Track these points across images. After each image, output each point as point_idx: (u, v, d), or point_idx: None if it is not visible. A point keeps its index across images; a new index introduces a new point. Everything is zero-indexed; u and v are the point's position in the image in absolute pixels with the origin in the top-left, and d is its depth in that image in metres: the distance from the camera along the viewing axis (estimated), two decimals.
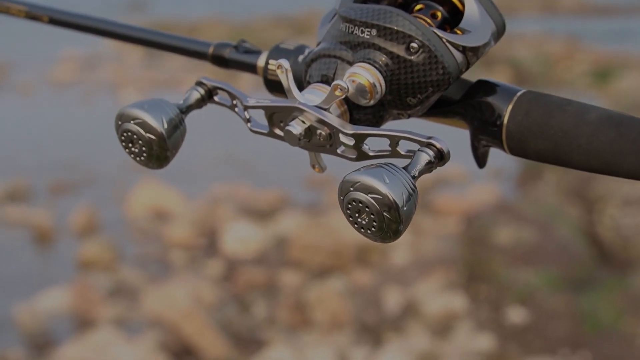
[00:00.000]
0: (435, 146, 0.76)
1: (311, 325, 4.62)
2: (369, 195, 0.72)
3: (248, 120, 0.87)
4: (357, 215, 0.74)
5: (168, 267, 5.41)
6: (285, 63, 0.81)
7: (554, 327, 4.45)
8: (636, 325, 4.28)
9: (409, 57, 0.81)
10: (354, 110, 0.83)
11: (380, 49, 0.81)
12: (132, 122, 0.83)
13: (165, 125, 0.83)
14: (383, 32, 0.81)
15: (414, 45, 0.80)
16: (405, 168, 0.75)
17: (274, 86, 0.97)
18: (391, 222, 0.72)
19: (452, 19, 0.86)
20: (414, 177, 0.74)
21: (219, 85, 0.89)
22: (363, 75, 0.80)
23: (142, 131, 0.83)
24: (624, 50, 12.94)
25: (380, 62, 0.81)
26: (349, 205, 0.74)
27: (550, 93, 0.84)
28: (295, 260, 5.26)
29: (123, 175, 7.14)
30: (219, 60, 1.02)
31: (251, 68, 0.99)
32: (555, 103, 0.81)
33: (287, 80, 0.81)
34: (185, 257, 5.52)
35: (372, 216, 0.73)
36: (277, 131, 0.85)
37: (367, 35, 0.81)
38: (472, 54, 0.83)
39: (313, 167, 0.87)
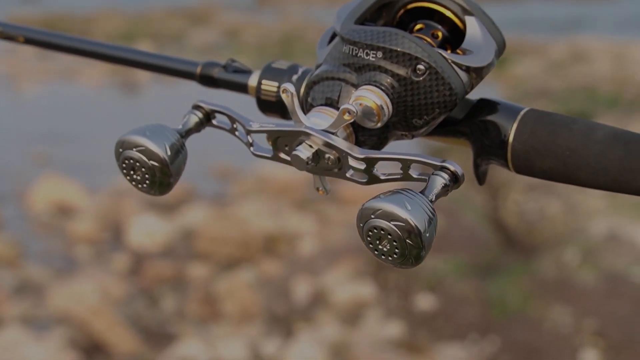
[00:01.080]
0: (449, 169, 0.76)
1: (221, 317, 4.58)
2: (391, 222, 0.71)
3: (250, 145, 0.85)
4: (377, 242, 0.73)
5: (74, 262, 5.30)
6: (290, 87, 0.79)
7: (463, 313, 4.49)
8: (544, 309, 4.35)
9: (415, 79, 0.80)
10: (359, 132, 0.82)
11: (386, 71, 0.80)
12: (134, 149, 0.81)
13: (168, 152, 0.81)
14: (389, 55, 0.80)
15: (421, 67, 0.80)
16: (422, 192, 0.75)
17: (268, 107, 0.95)
18: (413, 248, 0.72)
19: (453, 39, 0.86)
20: (431, 202, 0.74)
21: (217, 109, 0.87)
22: (370, 98, 0.79)
23: (144, 158, 0.81)
24: (519, 37, 13.15)
25: (387, 85, 0.80)
26: (370, 233, 0.73)
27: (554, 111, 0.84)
28: (203, 253, 5.21)
29: (23, 170, 6.98)
30: (208, 80, 1.01)
31: (242, 88, 0.98)
32: (560, 121, 0.82)
33: (293, 104, 0.79)
34: (91, 252, 5.42)
35: (394, 243, 0.72)
36: (282, 155, 0.83)
37: (372, 57, 0.81)
38: (475, 74, 0.82)
39: (317, 189, 0.85)
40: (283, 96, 0.79)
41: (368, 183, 0.80)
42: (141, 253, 5.26)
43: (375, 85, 0.80)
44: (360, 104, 0.79)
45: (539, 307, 4.39)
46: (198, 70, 1.02)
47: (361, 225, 0.74)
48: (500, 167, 0.85)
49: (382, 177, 0.79)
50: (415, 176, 0.78)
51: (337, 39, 0.85)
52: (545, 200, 5.46)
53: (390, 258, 0.74)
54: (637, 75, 10.22)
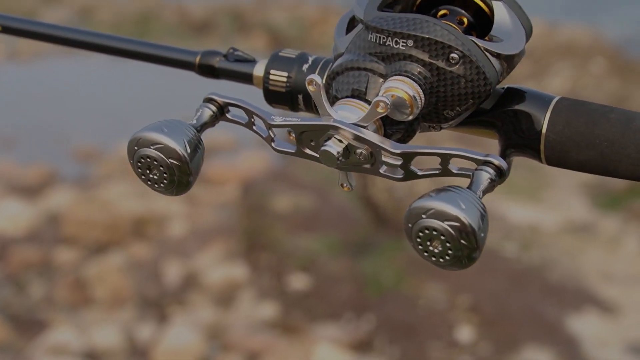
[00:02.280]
0: (493, 163, 0.73)
1: (92, 303, 4.46)
2: (445, 222, 0.68)
3: (272, 140, 0.80)
4: (428, 243, 0.70)
5: None
6: (317, 78, 0.74)
7: (337, 292, 4.50)
8: (417, 286, 4.40)
9: (449, 69, 0.77)
10: (387, 125, 0.78)
11: (417, 60, 0.77)
12: (151, 147, 0.76)
13: (188, 149, 0.76)
14: (420, 43, 0.76)
15: (454, 55, 0.76)
16: (469, 189, 0.71)
17: (276, 98, 0.91)
18: (467, 249, 0.68)
19: (478, 25, 0.82)
20: (480, 199, 0.71)
21: (232, 101, 0.82)
22: (402, 89, 0.75)
23: (163, 157, 0.76)
24: None
25: (419, 74, 0.77)
26: (420, 234, 0.69)
27: (585, 100, 0.81)
28: (70, 237, 5.06)
29: None
30: (208, 70, 0.96)
31: (246, 78, 0.94)
32: (597, 111, 0.79)
33: (321, 96, 0.75)
34: None
35: (447, 244, 0.68)
36: (307, 151, 0.78)
37: (402, 46, 0.77)
38: (507, 63, 0.79)
39: (342, 185, 0.81)
40: (309, 88, 0.75)
41: (404, 179, 0.76)
42: (4, 239, 5.08)
43: (407, 76, 0.77)
44: (392, 96, 0.75)
45: (413, 284, 4.43)
46: (197, 59, 0.97)
47: (410, 225, 0.70)
48: (531, 158, 0.82)
49: (420, 173, 0.76)
50: (455, 171, 0.75)
51: (360, 27, 0.81)
52: None
53: (441, 260, 0.70)
54: None
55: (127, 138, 0.79)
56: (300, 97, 0.90)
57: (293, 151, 0.80)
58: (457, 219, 0.67)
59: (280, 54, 0.92)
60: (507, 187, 4.51)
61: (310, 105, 0.90)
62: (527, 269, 4.52)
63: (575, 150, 0.78)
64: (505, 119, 0.82)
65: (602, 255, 4.74)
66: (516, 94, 0.82)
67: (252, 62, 0.94)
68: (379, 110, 0.73)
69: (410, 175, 0.76)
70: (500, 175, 0.73)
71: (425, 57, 0.77)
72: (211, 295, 4.58)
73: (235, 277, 4.70)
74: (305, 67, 0.90)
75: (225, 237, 5.08)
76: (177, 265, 4.77)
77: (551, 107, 0.80)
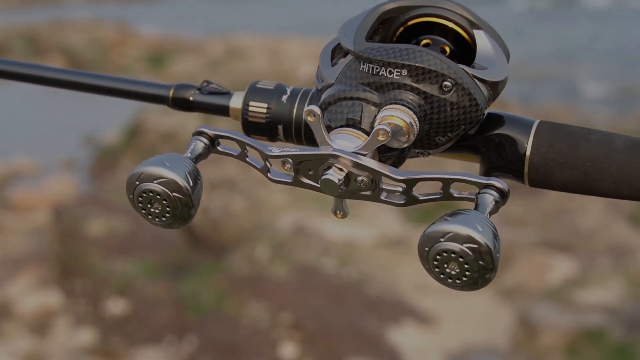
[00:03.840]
0: (495, 186, 0.75)
1: None
2: (464, 244, 0.69)
3: (267, 170, 0.80)
4: (445, 265, 0.71)
5: None
6: (316, 109, 0.75)
7: (157, 315, 4.45)
8: (239, 305, 4.40)
9: (442, 96, 0.79)
10: (381, 153, 0.79)
11: (412, 89, 0.79)
12: (154, 181, 0.76)
13: (190, 182, 0.76)
14: (414, 72, 0.78)
15: (447, 83, 0.78)
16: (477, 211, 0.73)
17: (255, 129, 0.91)
18: (484, 269, 0.70)
19: (459, 53, 0.84)
20: (490, 220, 0.72)
21: (224, 134, 0.81)
22: (399, 117, 0.77)
23: (167, 191, 0.76)
24: (174, 35, 13.25)
25: (413, 103, 0.79)
26: (437, 257, 0.71)
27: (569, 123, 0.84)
28: None
29: None
30: (182, 104, 0.96)
31: (222, 110, 0.93)
32: (577, 133, 0.82)
33: (320, 126, 0.75)
34: None
35: (465, 266, 0.70)
36: (305, 180, 0.79)
37: (396, 75, 0.79)
38: (493, 89, 0.81)
39: (335, 213, 0.82)
40: (308, 118, 0.75)
41: (406, 204, 0.78)
42: None
43: (402, 104, 0.78)
44: (390, 124, 0.77)
45: (234, 304, 4.42)
46: (170, 93, 0.97)
47: (427, 249, 0.71)
48: (513, 180, 0.84)
49: (421, 198, 0.77)
50: (456, 195, 0.76)
51: (350, 58, 0.82)
52: (229, 197, 5.52)
53: (458, 281, 0.72)
54: (292, 68, 10.59)
55: None
56: (280, 127, 0.91)
57: (290, 181, 0.80)
58: (475, 241, 0.69)
59: (258, 85, 0.92)
60: (322, 204, 4.59)
61: (290, 136, 0.91)
62: (347, 284, 4.60)
63: (558, 171, 0.82)
64: (488, 143, 0.85)
65: (416, 268, 4.86)
66: (498, 119, 0.85)
67: (227, 94, 0.94)
68: (380, 138, 0.75)
69: (412, 201, 0.78)
70: (503, 197, 0.75)
71: (419, 85, 0.79)
72: (26, 324, 4.44)
73: (49, 304, 4.58)
74: (284, 97, 0.90)
75: (37, 264, 4.93)
76: None
77: (533, 130, 0.83)
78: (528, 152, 0.83)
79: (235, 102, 0.93)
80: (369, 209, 5.46)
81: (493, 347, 4.21)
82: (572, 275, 4.73)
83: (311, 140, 0.89)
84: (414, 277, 4.73)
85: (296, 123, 0.89)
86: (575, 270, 4.78)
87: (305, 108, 0.76)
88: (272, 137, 0.92)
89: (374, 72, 0.80)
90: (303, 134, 0.90)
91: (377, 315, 4.36)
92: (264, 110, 0.91)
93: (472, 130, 0.85)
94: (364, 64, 0.80)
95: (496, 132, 0.84)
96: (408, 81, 0.79)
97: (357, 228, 5.17)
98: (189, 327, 4.34)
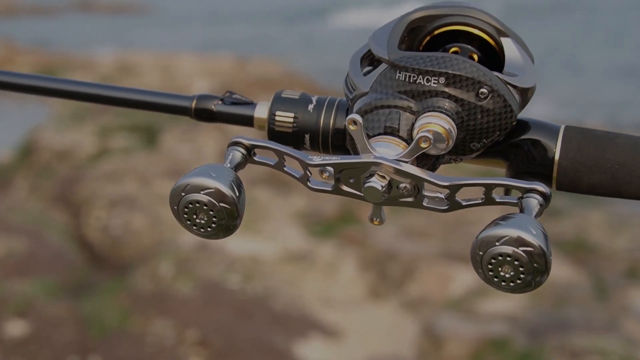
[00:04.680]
0: (538, 190, 0.76)
1: None
2: (520, 248, 0.71)
3: (307, 179, 0.81)
4: (500, 269, 0.73)
5: None
6: (358, 118, 0.76)
7: (59, 335, 4.36)
8: (144, 323, 4.34)
9: (479, 103, 0.81)
10: (418, 159, 0.80)
11: (449, 96, 0.81)
12: (201, 192, 0.77)
13: (237, 193, 0.77)
14: (452, 80, 0.80)
15: (484, 90, 0.80)
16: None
17: (281, 138, 0.92)
18: (538, 272, 0.72)
19: (487, 60, 0.86)
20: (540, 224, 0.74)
21: (262, 144, 0.82)
22: (439, 124, 0.79)
23: (214, 201, 0.77)
24: (63, 51, 13.07)
25: (451, 110, 0.81)
26: (492, 260, 0.73)
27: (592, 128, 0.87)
28: None
29: None
30: (205, 114, 0.97)
31: (246, 120, 0.95)
32: (604, 137, 0.85)
33: (362, 135, 0.77)
34: None
35: (520, 268, 0.72)
36: (346, 188, 0.80)
37: (434, 83, 0.81)
38: (523, 96, 0.84)
39: (372, 220, 0.83)
40: (350, 127, 0.76)
41: (449, 210, 0.79)
42: None
43: (440, 111, 0.80)
44: (430, 130, 0.78)
45: (138, 322, 4.37)
46: (193, 104, 0.98)
47: (481, 253, 0.73)
48: None
49: (464, 204, 0.79)
50: (498, 200, 0.78)
51: (384, 67, 0.84)
52: (129, 214, 5.46)
53: (512, 284, 0.74)
54: (185, 84, 10.54)
55: None
56: (307, 136, 0.92)
57: (330, 189, 0.81)
58: (531, 245, 0.71)
59: (283, 95, 0.93)
60: None
61: (317, 144, 0.92)
62: (252, 299, 4.59)
63: (587, 175, 0.85)
64: (516, 148, 0.87)
65: (321, 281, 4.89)
66: (525, 125, 0.88)
67: (251, 104, 0.96)
68: (423, 145, 0.76)
69: (455, 206, 0.79)
70: (547, 200, 0.77)
71: (456, 93, 0.81)
72: None
73: None
74: (310, 107, 0.92)
75: None
76: None
77: (561, 134, 0.86)
78: (557, 157, 0.86)
79: (261, 112, 0.95)
80: (272, 224, 5.46)
81: (399, 358, 4.25)
82: (474, 285, 4.80)
83: (338, 149, 0.91)
84: (319, 291, 4.75)
85: (323, 132, 0.91)
86: (477, 281, 4.86)
87: (348, 117, 0.76)
88: (298, 146, 0.93)
89: (411, 81, 0.82)
90: (330, 143, 0.91)
91: (283, 330, 4.36)
92: (291, 120, 0.92)
93: (501, 136, 0.87)
94: (400, 73, 0.82)
95: (523, 137, 0.87)
96: (445, 89, 0.81)
97: (261, 243, 5.17)
98: (93, 347, 4.26)
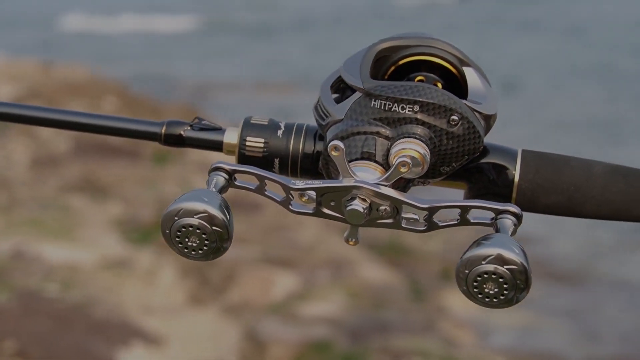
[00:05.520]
0: (511, 211, 0.81)
1: None
2: (505, 266, 0.75)
3: (289, 203, 0.84)
4: (484, 286, 0.77)
5: None
6: (340, 144, 0.79)
7: None
8: None
9: (450, 130, 0.86)
10: (393, 182, 0.83)
11: (423, 123, 0.86)
12: (195, 216, 0.79)
13: (228, 216, 0.80)
14: (426, 108, 0.85)
15: (455, 117, 0.86)
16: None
17: (251, 162, 0.94)
18: (519, 289, 0.77)
19: (450, 89, 0.89)
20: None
21: (243, 169, 0.85)
22: (415, 150, 0.84)
23: (207, 225, 0.80)
24: None
25: (425, 136, 0.85)
26: (478, 278, 0.77)
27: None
28: None
29: None
30: (175, 140, 0.99)
31: (215, 145, 0.97)
32: (559, 159, 0.92)
33: (344, 160, 0.80)
34: None
35: (504, 285, 0.77)
36: (327, 211, 0.84)
37: (408, 111, 0.86)
38: (487, 122, 0.89)
39: (347, 241, 0.86)
40: (332, 153, 0.80)
41: (427, 230, 0.83)
42: None
43: (415, 137, 0.85)
44: (408, 156, 0.82)
45: None
46: (162, 130, 0.99)
47: (466, 271, 0.77)
48: None
49: (441, 224, 0.83)
50: (472, 221, 0.82)
51: (358, 95, 0.88)
52: None
53: (495, 300, 0.78)
54: None
55: None
56: (276, 160, 0.95)
57: (312, 212, 0.84)
58: (514, 263, 0.76)
59: (252, 121, 0.96)
60: (40, 227, 4.47)
61: (285, 168, 0.95)
62: (71, 308, 4.48)
63: (544, 196, 0.91)
64: (478, 171, 0.93)
65: (140, 288, 4.83)
66: (484, 149, 0.93)
67: (220, 130, 0.98)
68: (402, 169, 0.80)
69: (433, 227, 0.83)
70: (519, 220, 0.81)
71: (429, 119, 0.86)
72: None
73: None
74: (279, 132, 0.95)
75: None
76: None
77: (519, 158, 0.93)
78: (517, 179, 0.92)
79: (230, 137, 0.97)
80: (89, 231, 5.36)
81: None
82: (295, 289, 4.86)
83: (306, 172, 0.95)
84: (139, 298, 4.69)
85: (293, 156, 0.94)
86: (298, 285, 4.93)
87: (330, 143, 0.80)
88: (268, 169, 0.95)
89: (386, 108, 0.87)
90: (299, 167, 0.95)
91: (104, 338, 4.28)
92: (262, 145, 0.95)
93: (468, 160, 0.92)
94: (375, 101, 0.87)
95: (484, 160, 0.93)
96: (419, 116, 0.86)
97: (78, 251, 5.06)
98: None
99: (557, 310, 5.09)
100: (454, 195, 0.93)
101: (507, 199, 0.92)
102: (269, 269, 5.06)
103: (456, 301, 5.02)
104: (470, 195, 0.94)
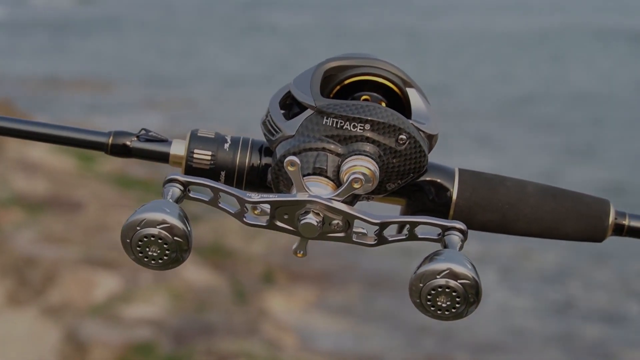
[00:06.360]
0: (457, 227, 0.84)
1: None
2: (458, 280, 0.79)
3: (243, 215, 0.85)
4: (437, 299, 0.80)
5: None
6: (296, 160, 0.82)
7: None
8: None
9: (398, 148, 0.89)
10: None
11: (373, 141, 0.88)
12: (157, 227, 0.80)
13: (188, 227, 0.81)
14: (376, 127, 0.88)
15: (403, 137, 0.89)
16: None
17: (197, 174, 0.94)
18: (470, 303, 0.80)
19: (394, 108, 0.92)
20: None
21: (198, 181, 0.85)
22: (366, 167, 0.86)
23: (168, 235, 0.80)
24: None
25: (375, 153, 0.88)
26: (432, 291, 0.80)
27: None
28: None
29: None
30: (121, 150, 0.98)
31: (162, 157, 0.98)
32: (494, 179, 0.96)
33: (299, 175, 0.82)
34: None
35: (457, 299, 0.80)
36: (280, 224, 0.85)
37: (359, 129, 0.88)
38: (430, 142, 0.92)
39: (296, 253, 0.87)
40: (288, 168, 0.82)
41: (377, 245, 0.86)
42: None
43: (366, 155, 0.87)
44: (360, 172, 0.85)
45: None
46: (109, 140, 0.98)
47: (421, 285, 0.80)
48: None
49: (391, 239, 0.86)
50: (420, 236, 0.85)
51: (309, 112, 0.90)
52: None
53: (447, 312, 0.81)
54: None
55: None
56: (222, 173, 0.96)
57: (265, 224, 0.86)
58: (468, 277, 0.79)
59: (199, 134, 0.97)
60: None
61: (230, 181, 0.96)
62: None
63: (480, 213, 0.96)
64: (415, 188, 0.96)
65: None
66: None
67: (166, 141, 0.98)
68: (355, 185, 0.83)
69: (382, 241, 0.86)
70: (465, 236, 0.85)
71: (379, 138, 0.88)
72: None
73: None
74: (226, 146, 0.96)
75: None
76: None
77: (456, 177, 0.96)
78: (454, 197, 0.96)
79: (177, 149, 0.97)
80: None
81: None
82: (117, 291, 4.81)
83: (251, 185, 0.96)
84: None
85: (239, 169, 0.95)
86: (120, 286, 4.87)
87: (287, 159, 0.82)
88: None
89: (338, 126, 0.89)
90: (244, 180, 0.96)
91: None
92: (209, 158, 0.96)
93: (413, 178, 0.95)
94: (327, 119, 0.89)
95: (423, 178, 0.96)
96: (369, 134, 0.89)
97: None
98: None
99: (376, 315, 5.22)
100: (391, 211, 0.97)
101: (444, 215, 0.97)
102: (91, 269, 4.98)
103: (278, 304, 5.09)
104: (408, 212, 0.98)
